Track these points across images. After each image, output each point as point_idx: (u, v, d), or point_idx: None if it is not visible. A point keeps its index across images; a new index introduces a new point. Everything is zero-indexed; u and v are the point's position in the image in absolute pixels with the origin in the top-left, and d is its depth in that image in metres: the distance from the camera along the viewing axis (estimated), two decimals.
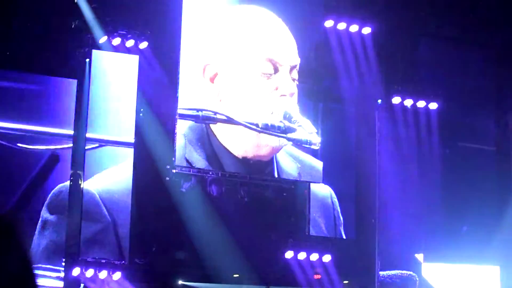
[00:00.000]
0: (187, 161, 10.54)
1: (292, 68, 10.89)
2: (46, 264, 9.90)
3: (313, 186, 11.48)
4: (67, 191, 10.08)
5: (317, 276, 11.45)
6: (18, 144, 10.16)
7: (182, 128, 10.55)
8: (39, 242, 9.96)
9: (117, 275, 10.01)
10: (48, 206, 10.07)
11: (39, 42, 10.24)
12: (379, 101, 12.24)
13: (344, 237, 11.75)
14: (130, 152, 10.42)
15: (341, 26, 11.80)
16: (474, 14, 12.76)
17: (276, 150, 10.88)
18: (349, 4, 11.97)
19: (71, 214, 9.99)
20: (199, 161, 10.60)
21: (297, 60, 11.01)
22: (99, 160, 10.38)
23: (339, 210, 11.68)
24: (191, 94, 10.65)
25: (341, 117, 12.07)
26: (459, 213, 12.68)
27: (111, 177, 10.30)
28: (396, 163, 12.18)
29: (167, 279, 10.75)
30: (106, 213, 10.13)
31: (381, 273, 11.54)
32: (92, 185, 10.15)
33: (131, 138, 10.46)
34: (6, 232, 2.47)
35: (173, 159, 10.50)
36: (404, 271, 11.35)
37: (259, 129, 10.59)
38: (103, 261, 10.04)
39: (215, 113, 10.54)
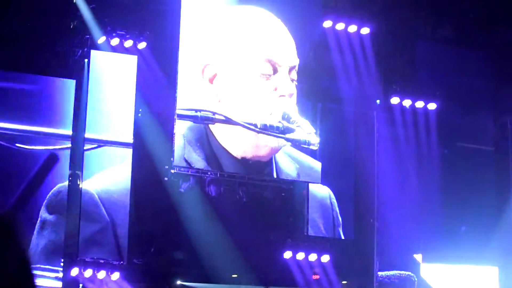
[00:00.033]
0: (186, 161, 10.54)
1: (291, 68, 10.90)
2: (44, 264, 9.90)
3: (312, 187, 11.48)
4: (66, 191, 10.08)
5: (315, 277, 11.45)
6: (17, 144, 10.15)
7: (181, 128, 10.55)
8: (37, 242, 9.96)
9: (115, 275, 10.01)
10: (47, 206, 10.07)
11: (38, 43, 10.24)
12: (378, 101, 12.24)
13: (343, 238, 11.75)
14: (128, 152, 10.42)
15: (340, 26, 11.79)
16: (472, 15, 12.76)
17: (275, 150, 10.89)
18: (348, 5, 11.97)
19: (70, 215, 9.99)
20: (198, 162, 10.60)
21: (296, 61, 11.02)
22: (98, 160, 10.38)
23: (337, 211, 11.68)
24: (190, 95, 10.65)
25: (340, 118, 12.06)
26: (458, 214, 12.68)
27: (110, 177, 10.30)
28: (394, 164, 12.18)
29: (165, 279, 10.75)
30: (105, 213, 10.13)
31: (379, 273, 11.54)
32: (91, 185, 10.15)
33: (129, 139, 10.45)
34: (5, 232, 2.47)
35: (172, 159, 10.50)
36: (402, 272, 11.37)
37: (257, 129, 10.60)
38: (102, 261, 10.03)
39: (214, 113, 10.54)
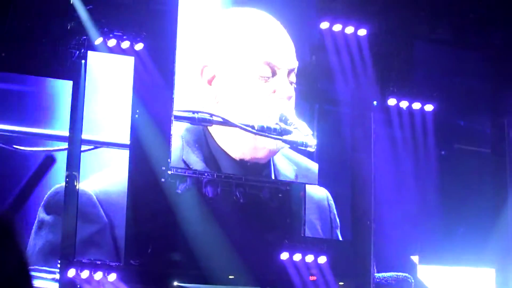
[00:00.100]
0: (185, 162, 10.53)
1: (290, 71, 10.91)
2: (41, 265, 9.88)
3: (310, 189, 11.47)
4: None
5: (312, 278, 11.44)
6: (14, 146, 10.14)
7: (180, 129, 10.54)
8: (35, 242, 9.94)
9: (112, 276, 10.00)
10: (44, 207, 10.06)
11: (35, 44, 10.22)
12: (375, 102, 12.22)
13: (341, 239, 11.74)
14: (125, 153, 10.40)
15: (337, 28, 11.78)
16: (470, 16, 12.75)
17: (273, 152, 10.88)
18: (345, 6, 11.95)
19: (67, 216, 9.97)
20: (197, 163, 10.59)
21: (295, 64, 11.02)
22: (95, 161, 10.36)
23: (335, 212, 11.67)
24: (188, 96, 10.64)
25: (337, 119, 12.06)
26: (455, 215, 12.68)
27: (108, 178, 10.29)
28: (391, 165, 12.17)
29: (162, 281, 10.74)
30: (103, 214, 10.12)
31: (376, 275, 11.54)
32: (89, 186, 10.13)
33: (126, 140, 10.44)
34: (3, 233, 2.46)
35: (169, 160, 10.49)
36: (399, 273, 11.37)
37: (254, 131, 10.60)
38: (98, 262, 10.02)
39: (211, 115, 10.54)
